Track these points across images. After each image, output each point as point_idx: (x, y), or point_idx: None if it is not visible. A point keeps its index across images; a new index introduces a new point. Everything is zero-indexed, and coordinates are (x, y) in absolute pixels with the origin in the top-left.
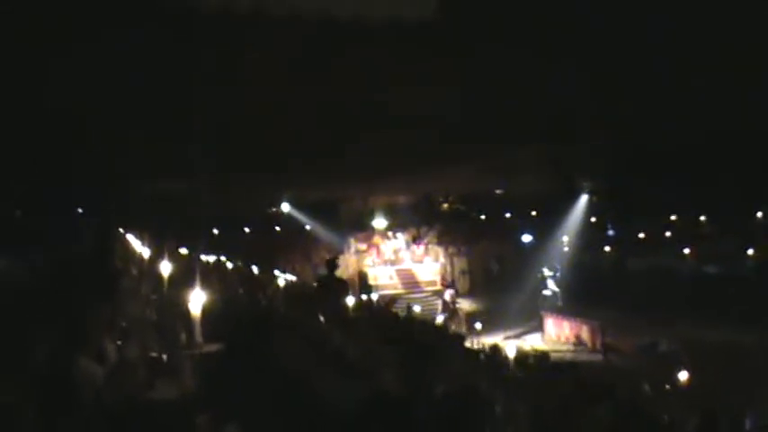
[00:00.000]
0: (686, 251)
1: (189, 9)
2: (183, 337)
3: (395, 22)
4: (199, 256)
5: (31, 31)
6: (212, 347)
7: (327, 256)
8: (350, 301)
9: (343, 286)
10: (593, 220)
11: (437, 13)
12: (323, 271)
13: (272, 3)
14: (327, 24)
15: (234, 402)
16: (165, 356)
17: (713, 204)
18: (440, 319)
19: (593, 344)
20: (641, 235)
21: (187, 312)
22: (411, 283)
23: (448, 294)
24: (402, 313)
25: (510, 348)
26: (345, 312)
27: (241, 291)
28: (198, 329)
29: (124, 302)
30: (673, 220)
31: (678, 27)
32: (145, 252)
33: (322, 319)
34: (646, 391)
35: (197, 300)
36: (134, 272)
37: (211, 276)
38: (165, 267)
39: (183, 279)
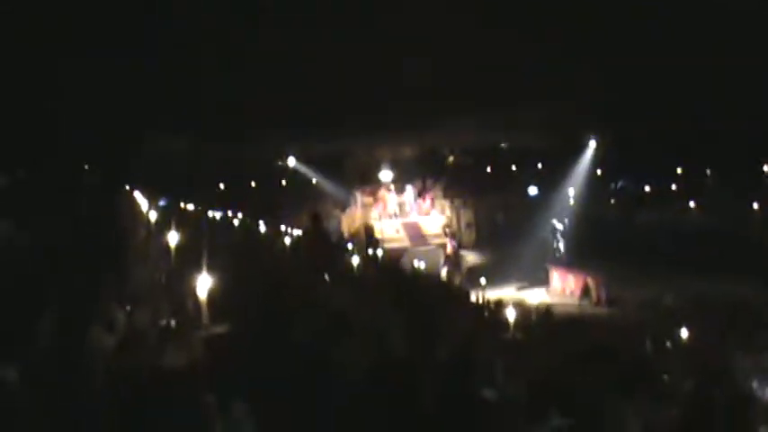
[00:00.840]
0: (691, 204)
1: None
2: (191, 306)
3: None
4: (206, 222)
5: None
6: (219, 329)
7: (333, 211)
8: (355, 259)
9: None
10: (599, 172)
11: None
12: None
13: None
14: None
15: (241, 381)
16: (174, 323)
17: (719, 157)
18: (443, 272)
19: (598, 297)
20: (647, 188)
21: (194, 286)
22: (417, 236)
23: (450, 246)
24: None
25: (512, 308)
26: (350, 272)
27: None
28: (205, 312)
29: (133, 266)
30: (678, 174)
31: None
32: (152, 213)
33: (327, 278)
34: (648, 348)
35: (203, 283)
36: (142, 233)
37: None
38: (173, 235)
39: (191, 242)
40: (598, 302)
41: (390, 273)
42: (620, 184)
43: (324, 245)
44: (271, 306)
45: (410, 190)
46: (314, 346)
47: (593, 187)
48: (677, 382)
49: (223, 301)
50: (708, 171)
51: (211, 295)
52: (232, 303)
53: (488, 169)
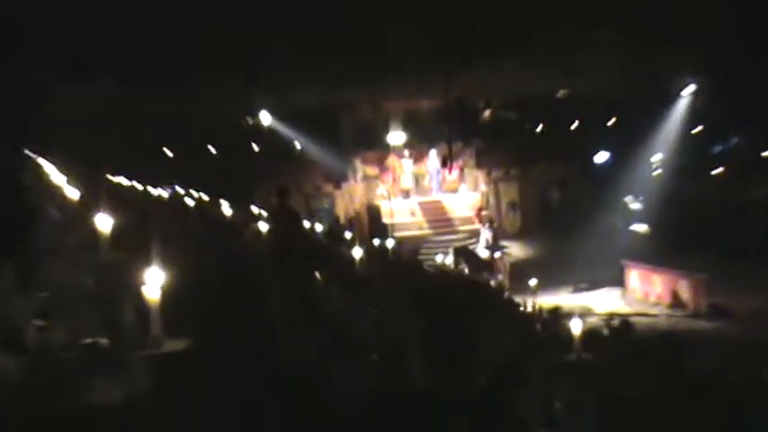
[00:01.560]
0: None
1: None
2: (131, 317)
3: None
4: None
5: None
6: (177, 345)
7: (324, 186)
8: (357, 252)
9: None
10: (695, 131)
11: None
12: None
13: None
14: None
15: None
16: (105, 342)
17: None
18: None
19: (697, 305)
20: (765, 153)
21: (136, 285)
22: (441, 220)
23: (484, 238)
24: (429, 266)
25: (577, 319)
26: (352, 270)
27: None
28: (157, 321)
29: (44, 261)
30: None
31: None
32: (71, 189)
33: (319, 278)
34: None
35: (155, 281)
36: (56, 216)
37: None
38: (103, 219)
39: (129, 229)
40: (697, 312)
41: (405, 271)
42: (725, 145)
43: (293, 232)
44: (244, 315)
45: (432, 156)
46: (303, 369)
47: (689, 152)
48: None
49: (177, 308)
50: None
51: (163, 301)
52: (190, 311)
53: (539, 128)
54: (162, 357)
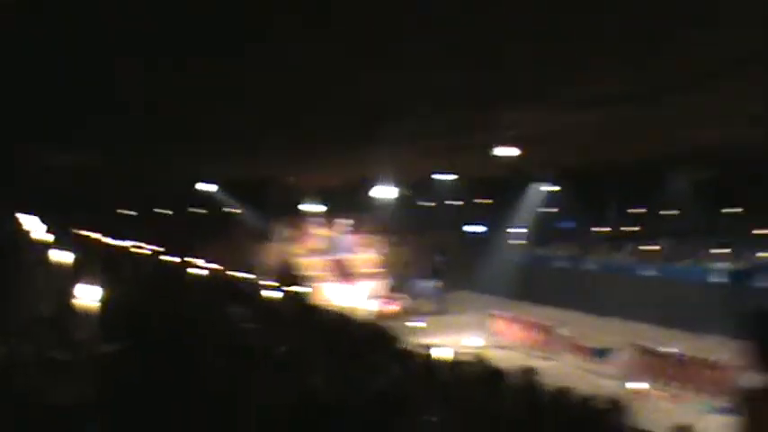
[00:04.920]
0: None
1: None
2: (82, 335)
3: None
4: (102, 243)
5: None
6: (111, 347)
7: (253, 244)
8: (276, 294)
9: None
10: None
11: None
12: (251, 260)
13: None
14: None
15: (137, 409)
16: (63, 356)
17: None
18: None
19: (544, 346)
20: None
21: (85, 308)
22: (346, 274)
23: (380, 289)
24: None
25: (447, 351)
26: (270, 306)
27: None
28: (93, 327)
29: (17, 293)
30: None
31: None
32: (39, 234)
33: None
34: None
35: (92, 294)
36: (29, 257)
37: (117, 267)
38: (64, 255)
39: (84, 268)
40: (547, 352)
41: (312, 311)
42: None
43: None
44: (174, 327)
45: (339, 223)
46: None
47: (540, 227)
48: None
49: (116, 320)
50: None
51: (104, 314)
52: (127, 323)
53: (429, 204)
54: (101, 357)
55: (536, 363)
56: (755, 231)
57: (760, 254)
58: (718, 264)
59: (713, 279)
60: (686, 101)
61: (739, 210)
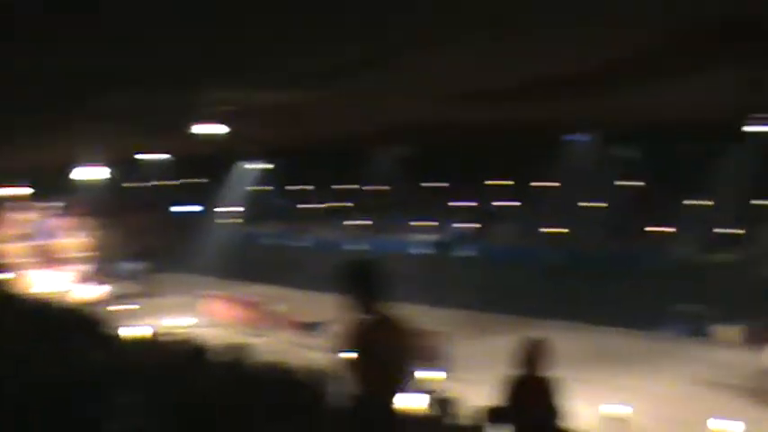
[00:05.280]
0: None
1: None
2: None
3: None
4: None
5: None
6: None
7: None
8: None
9: None
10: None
11: None
12: None
13: None
14: None
15: None
16: None
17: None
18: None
19: (256, 323)
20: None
21: None
22: (52, 259)
23: (87, 273)
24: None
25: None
26: None
27: None
28: None
29: None
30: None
31: None
32: None
33: None
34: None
35: None
36: None
37: None
38: None
39: None
40: (257, 328)
41: (12, 298)
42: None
43: None
44: None
45: (45, 207)
46: None
47: (254, 204)
48: None
49: None
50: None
51: None
52: None
53: (138, 184)
54: None
55: (248, 340)
56: (453, 203)
57: (458, 225)
58: (423, 235)
59: (418, 250)
60: (379, 78)
61: (442, 184)
